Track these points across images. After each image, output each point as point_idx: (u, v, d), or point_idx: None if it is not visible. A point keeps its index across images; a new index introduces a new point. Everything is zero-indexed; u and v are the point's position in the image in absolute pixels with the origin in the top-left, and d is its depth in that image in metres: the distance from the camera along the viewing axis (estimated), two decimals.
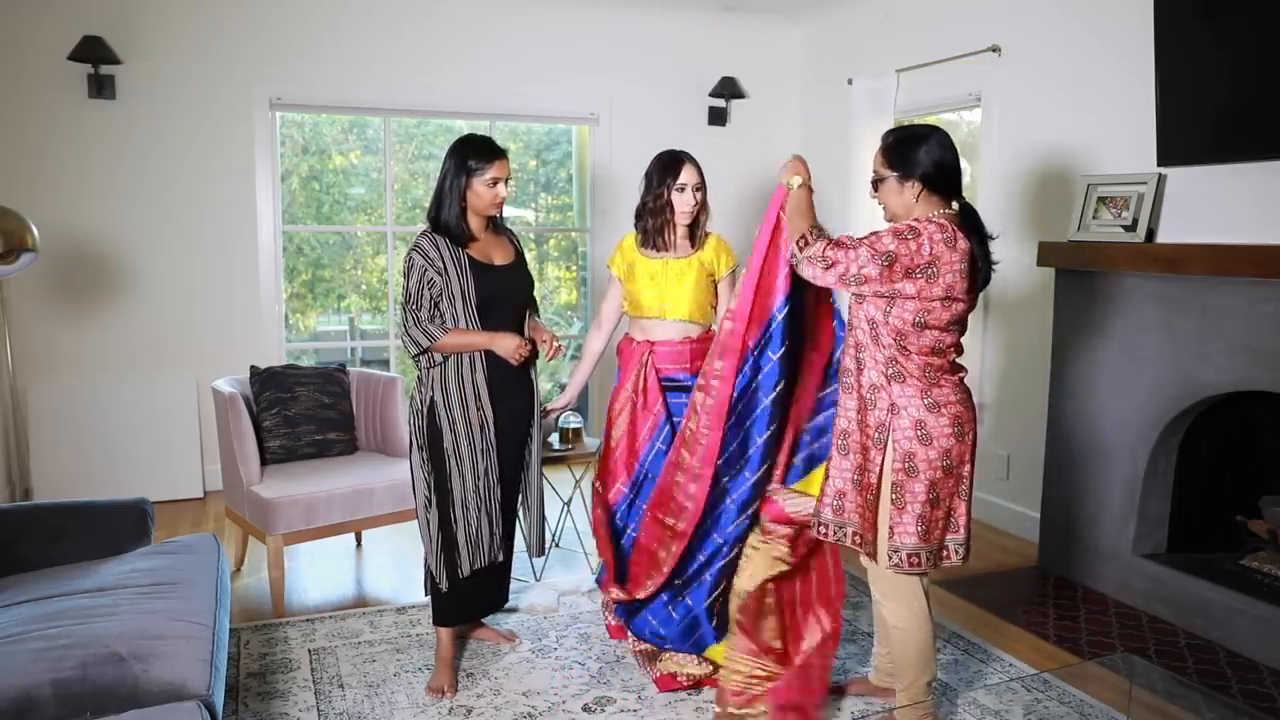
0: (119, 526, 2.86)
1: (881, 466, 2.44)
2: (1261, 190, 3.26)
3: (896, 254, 2.31)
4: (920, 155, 2.38)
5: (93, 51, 4.45)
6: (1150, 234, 3.57)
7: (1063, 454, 3.92)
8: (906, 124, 2.56)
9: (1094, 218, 3.76)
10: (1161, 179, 3.57)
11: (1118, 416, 3.67)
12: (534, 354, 2.99)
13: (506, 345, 2.84)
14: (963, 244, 2.36)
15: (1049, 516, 4.00)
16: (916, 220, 2.39)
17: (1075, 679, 3.00)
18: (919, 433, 2.39)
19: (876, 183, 2.48)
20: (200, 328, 4.93)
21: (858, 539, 2.50)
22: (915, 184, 2.40)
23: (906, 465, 2.40)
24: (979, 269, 2.40)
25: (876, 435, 2.43)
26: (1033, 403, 4.22)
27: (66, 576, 2.55)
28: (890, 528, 2.44)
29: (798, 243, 2.45)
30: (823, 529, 2.59)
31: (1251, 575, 3.39)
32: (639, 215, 2.93)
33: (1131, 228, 3.60)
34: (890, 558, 2.45)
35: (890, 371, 2.40)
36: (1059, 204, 4.07)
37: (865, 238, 2.38)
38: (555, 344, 2.97)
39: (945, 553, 2.51)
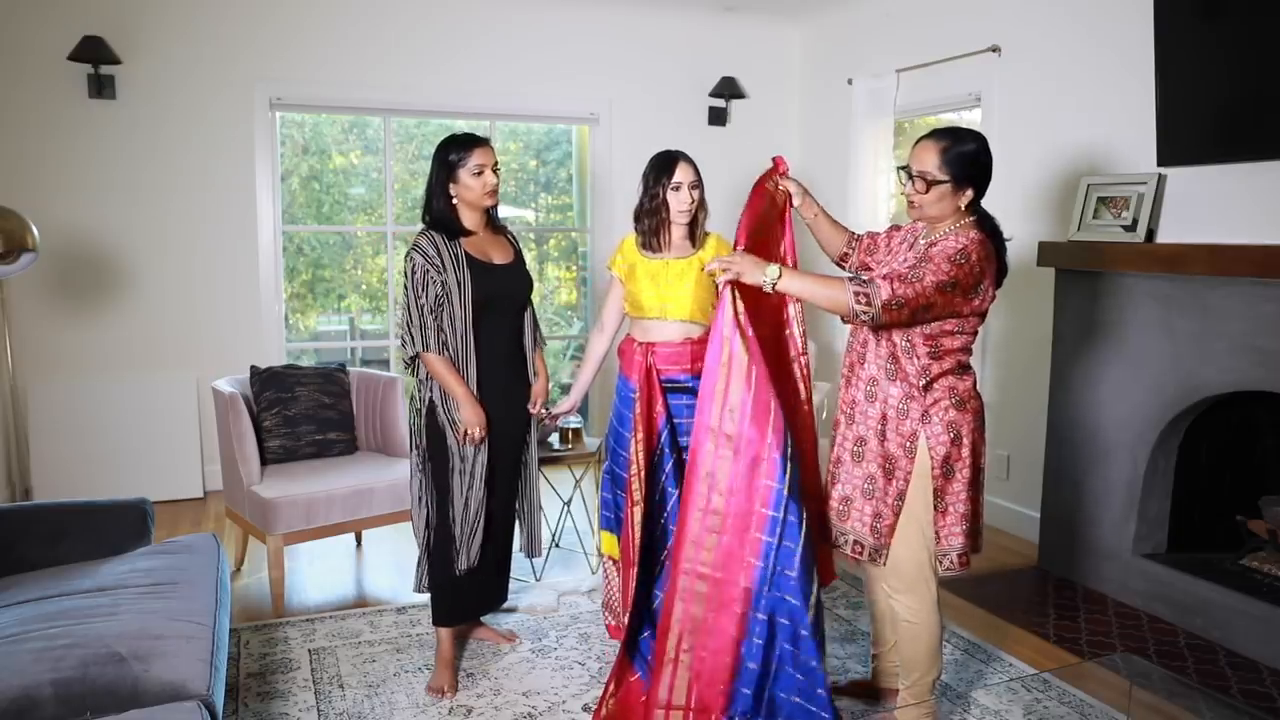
0: (119, 526, 2.86)
1: (911, 474, 2.43)
2: (1261, 190, 3.26)
3: (957, 278, 2.30)
4: (976, 164, 2.39)
5: (93, 51, 4.45)
6: (1150, 234, 3.57)
7: (1063, 454, 3.92)
8: (955, 126, 2.54)
9: (1094, 218, 3.76)
10: (1161, 179, 3.57)
11: (1118, 416, 3.67)
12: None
13: (469, 416, 2.79)
14: (993, 251, 2.39)
15: (1049, 516, 4.01)
16: (956, 238, 2.35)
17: (1075, 679, 3.00)
18: (951, 434, 2.40)
19: (927, 184, 2.36)
20: (200, 328, 4.93)
21: (858, 548, 2.51)
22: (969, 192, 2.39)
23: (944, 469, 2.41)
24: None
25: (908, 444, 2.42)
26: (1033, 403, 4.21)
27: (66, 576, 2.54)
28: (936, 532, 2.45)
29: (856, 300, 2.27)
30: (828, 533, 2.59)
31: (1251, 575, 3.39)
32: (637, 217, 2.92)
33: (1131, 228, 3.60)
34: (941, 562, 2.46)
35: (923, 381, 2.39)
36: (1059, 204, 4.07)
37: (918, 267, 2.31)
38: (541, 409, 3.04)
39: None
